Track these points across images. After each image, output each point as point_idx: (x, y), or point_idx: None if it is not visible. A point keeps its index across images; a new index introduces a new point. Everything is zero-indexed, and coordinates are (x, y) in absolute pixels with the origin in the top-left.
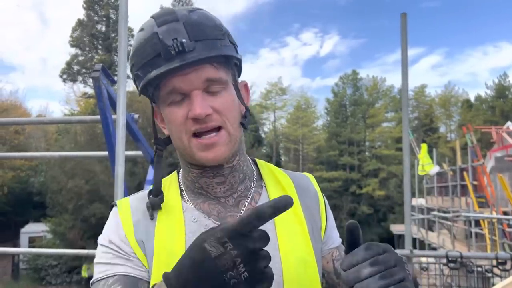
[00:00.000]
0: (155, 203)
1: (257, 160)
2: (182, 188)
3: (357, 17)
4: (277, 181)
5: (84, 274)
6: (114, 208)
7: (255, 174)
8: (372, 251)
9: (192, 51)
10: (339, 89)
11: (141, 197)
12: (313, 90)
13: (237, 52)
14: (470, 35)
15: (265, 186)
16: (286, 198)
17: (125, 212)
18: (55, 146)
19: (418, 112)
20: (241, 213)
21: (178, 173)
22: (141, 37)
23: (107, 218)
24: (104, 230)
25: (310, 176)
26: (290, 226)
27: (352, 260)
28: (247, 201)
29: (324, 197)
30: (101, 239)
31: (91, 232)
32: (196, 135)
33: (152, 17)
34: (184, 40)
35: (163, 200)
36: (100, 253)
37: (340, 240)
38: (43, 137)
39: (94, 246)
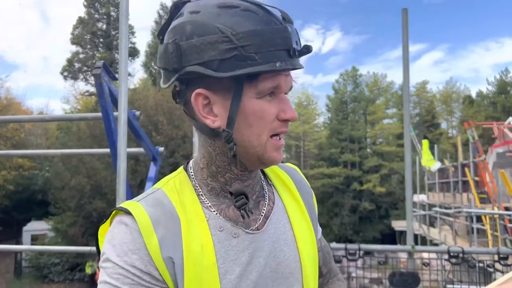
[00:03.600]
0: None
1: None
2: (201, 191)
3: (359, 13)
4: (279, 178)
5: (88, 270)
6: (126, 219)
7: (261, 172)
8: None
9: (299, 58)
10: (340, 86)
11: (155, 202)
12: (315, 87)
13: None
14: (472, 31)
15: (272, 185)
16: None
17: (147, 225)
18: (56, 143)
19: (420, 108)
20: (262, 214)
21: (186, 170)
22: (260, 22)
23: (108, 215)
24: (116, 244)
25: (296, 168)
26: (300, 223)
27: None
28: (266, 202)
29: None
30: (114, 256)
31: (92, 229)
32: (273, 135)
33: (259, 5)
34: (311, 46)
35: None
36: (114, 273)
37: (321, 229)
38: (44, 135)
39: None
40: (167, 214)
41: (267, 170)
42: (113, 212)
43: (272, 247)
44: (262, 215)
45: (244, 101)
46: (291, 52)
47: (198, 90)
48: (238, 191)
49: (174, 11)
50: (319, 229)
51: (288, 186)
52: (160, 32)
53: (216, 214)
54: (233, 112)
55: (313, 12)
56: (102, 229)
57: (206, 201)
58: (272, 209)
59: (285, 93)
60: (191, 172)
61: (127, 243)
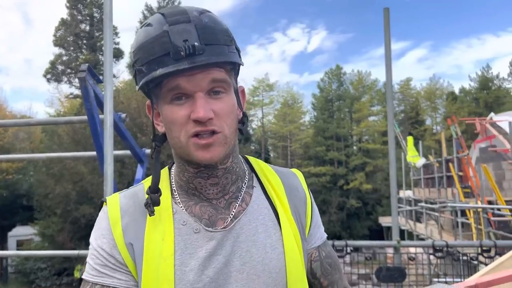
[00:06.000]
0: (156, 199)
1: (248, 157)
2: (174, 188)
3: (344, 12)
4: (267, 181)
5: (77, 275)
6: (105, 207)
7: (247, 173)
8: None
9: (201, 54)
10: (325, 84)
11: (131, 194)
12: (301, 86)
13: (240, 58)
14: (454, 28)
15: (256, 187)
16: None
17: (115, 214)
18: (40, 147)
19: (404, 105)
20: (232, 215)
21: (169, 170)
22: (149, 33)
23: (96, 219)
24: (95, 229)
25: (298, 174)
26: (286, 229)
27: None
28: (237, 203)
29: (311, 195)
30: (92, 239)
31: (80, 233)
32: (194, 135)
33: (162, 13)
34: (196, 44)
35: (161, 194)
36: (90, 254)
37: (325, 236)
38: (28, 138)
39: (84, 247)
40: (136, 206)
41: (258, 172)
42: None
43: (237, 247)
44: (231, 216)
45: (161, 108)
46: (172, 55)
47: (147, 102)
48: (151, 189)
49: None
50: (320, 237)
51: (276, 190)
52: None
53: (183, 209)
54: (152, 119)
55: (298, 11)
56: None
57: (177, 197)
58: (244, 210)
59: (211, 90)
60: (172, 170)
61: (101, 229)
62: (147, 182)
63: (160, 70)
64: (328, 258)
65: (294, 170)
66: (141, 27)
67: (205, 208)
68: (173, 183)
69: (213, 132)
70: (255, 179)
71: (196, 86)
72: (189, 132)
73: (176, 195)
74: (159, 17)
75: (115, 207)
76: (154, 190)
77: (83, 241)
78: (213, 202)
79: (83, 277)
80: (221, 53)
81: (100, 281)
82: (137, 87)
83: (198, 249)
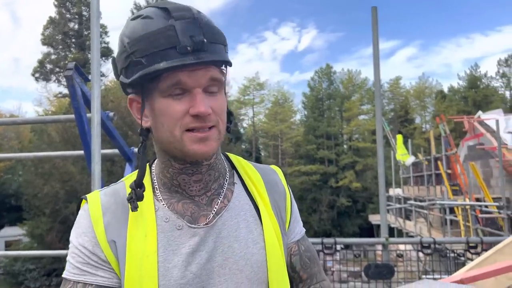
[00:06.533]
0: (139, 194)
1: (228, 154)
2: (156, 185)
3: (334, 11)
4: (248, 177)
5: None
6: (85, 205)
7: (228, 170)
8: None
9: (206, 51)
10: (315, 83)
11: (112, 192)
12: (292, 84)
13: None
14: (444, 27)
15: (237, 183)
16: None
17: (96, 211)
18: (29, 146)
19: (394, 103)
20: (214, 211)
21: (150, 167)
22: (149, 26)
23: (78, 203)
24: (76, 227)
25: (277, 170)
26: (267, 224)
27: None
28: (219, 200)
29: (290, 190)
30: (73, 237)
31: (70, 233)
32: (189, 129)
33: (163, 8)
34: (205, 40)
35: (145, 189)
36: (71, 252)
37: (303, 231)
38: (17, 138)
39: None
40: (118, 204)
41: (238, 169)
42: (83, 200)
43: (219, 243)
44: (213, 212)
45: (154, 101)
46: (178, 49)
47: (130, 96)
48: (136, 184)
49: None
50: (299, 231)
51: (256, 186)
52: None
53: (165, 206)
54: (136, 113)
55: (289, 10)
56: None
57: (159, 194)
58: (225, 207)
59: (208, 87)
60: (153, 168)
61: (82, 227)
62: (128, 179)
63: (165, 63)
64: (307, 252)
65: (273, 166)
66: (134, 19)
67: (188, 205)
68: (155, 180)
69: (210, 127)
70: (236, 176)
71: (196, 82)
72: (187, 126)
73: (157, 192)
74: (158, 10)
75: (96, 205)
76: (139, 185)
77: None
78: (195, 199)
79: (63, 276)
80: (220, 52)
81: (82, 279)
82: (129, 80)
83: (181, 245)
